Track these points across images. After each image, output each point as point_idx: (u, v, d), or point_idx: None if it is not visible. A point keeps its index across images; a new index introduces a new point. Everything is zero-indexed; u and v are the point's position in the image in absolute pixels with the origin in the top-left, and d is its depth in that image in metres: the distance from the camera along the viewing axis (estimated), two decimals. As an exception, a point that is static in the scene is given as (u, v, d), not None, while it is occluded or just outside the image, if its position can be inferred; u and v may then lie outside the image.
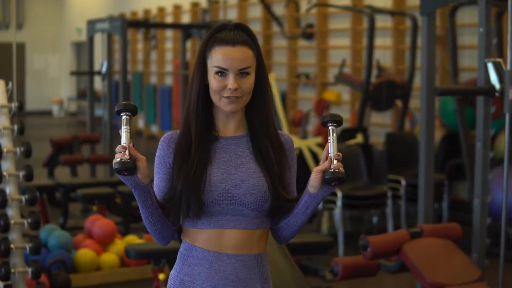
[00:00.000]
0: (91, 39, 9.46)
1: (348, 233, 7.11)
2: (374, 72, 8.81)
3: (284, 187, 2.32)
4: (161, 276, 4.84)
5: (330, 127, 2.22)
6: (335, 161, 2.19)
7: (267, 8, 11.28)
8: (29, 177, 4.58)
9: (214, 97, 2.27)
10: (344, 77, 9.04)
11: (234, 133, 2.34)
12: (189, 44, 12.79)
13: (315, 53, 11.26)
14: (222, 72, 2.24)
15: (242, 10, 13.19)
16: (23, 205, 4.59)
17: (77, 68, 21.12)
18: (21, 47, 21.18)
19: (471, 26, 8.32)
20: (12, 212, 4.50)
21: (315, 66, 11.26)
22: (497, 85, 4.53)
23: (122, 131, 2.14)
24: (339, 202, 6.74)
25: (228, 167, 2.29)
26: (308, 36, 11.45)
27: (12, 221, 4.47)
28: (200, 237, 2.29)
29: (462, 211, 7.68)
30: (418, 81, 8.05)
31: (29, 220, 4.51)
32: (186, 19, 15.19)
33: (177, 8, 15.51)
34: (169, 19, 15.89)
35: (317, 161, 7.33)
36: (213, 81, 2.25)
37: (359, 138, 8.05)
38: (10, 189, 4.52)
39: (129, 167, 2.13)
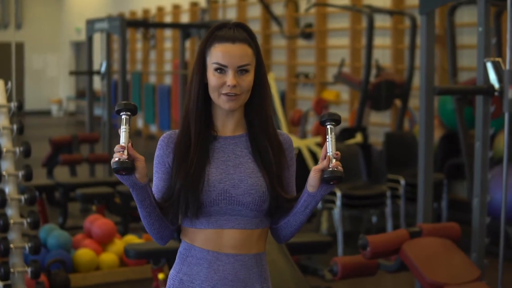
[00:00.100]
0: (90, 39, 9.45)
1: (347, 233, 7.11)
2: (373, 71, 8.81)
3: (283, 186, 2.32)
4: (161, 276, 4.84)
5: (328, 126, 2.22)
6: (334, 160, 2.18)
7: (266, 7, 11.28)
8: (28, 176, 4.58)
9: (213, 95, 2.27)
10: (343, 77, 9.04)
11: (233, 133, 2.34)
12: (188, 43, 12.79)
13: (314, 53, 11.26)
14: (221, 69, 2.25)
15: (241, 10, 13.19)
16: (23, 204, 4.59)
17: (76, 68, 21.11)
18: (20, 47, 21.18)
19: (470, 26, 8.32)
20: (11, 212, 4.50)
21: (314, 65, 11.26)
22: (496, 85, 4.53)
23: (121, 130, 2.14)
24: (338, 202, 6.74)
25: (227, 167, 2.29)
26: (307, 35, 11.45)
27: (11, 221, 4.47)
28: (199, 237, 2.29)
29: (461, 210, 7.69)
30: (417, 81, 8.05)
31: (28, 219, 4.51)
32: (185, 18, 15.19)
33: (176, 8, 15.51)
34: (168, 19, 15.88)
35: (316, 161, 7.33)
36: (212, 78, 2.25)
37: (358, 138, 8.05)
38: (9, 189, 4.52)
39: (127, 167, 2.12)
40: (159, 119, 15.72)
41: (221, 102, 2.26)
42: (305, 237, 5.17)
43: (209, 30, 2.30)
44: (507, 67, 4.51)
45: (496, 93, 4.55)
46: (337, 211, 6.78)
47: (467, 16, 8.46)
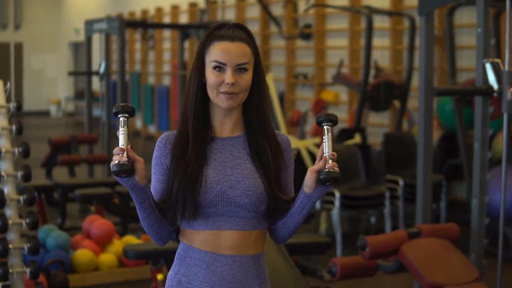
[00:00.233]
0: (89, 39, 9.45)
1: (346, 234, 7.11)
2: (372, 72, 8.81)
3: (281, 187, 2.32)
4: (160, 277, 4.84)
5: (325, 127, 2.21)
6: (330, 161, 2.18)
7: (265, 8, 11.29)
8: (27, 177, 4.58)
9: (212, 93, 2.27)
10: (342, 78, 9.04)
11: (230, 134, 2.34)
12: (187, 44, 12.78)
13: (313, 53, 11.26)
14: (220, 67, 2.25)
15: (240, 10, 13.19)
16: (21, 205, 4.59)
17: (74, 68, 21.11)
18: (19, 47, 21.16)
19: (469, 27, 8.32)
20: (10, 212, 4.50)
21: (313, 66, 11.27)
22: (495, 86, 4.53)
23: (120, 132, 2.14)
24: (337, 203, 6.74)
25: (224, 168, 2.29)
26: (306, 36, 11.46)
27: (10, 221, 4.47)
28: (197, 238, 2.29)
29: (460, 211, 7.69)
30: (416, 82, 8.06)
31: (27, 220, 4.51)
32: (184, 19, 15.19)
33: (175, 8, 15.51)
34: (167, 19, 15.89)
35: (315, 162, 7.33)
36: (211, 76, 2.26)
37: (357, 139, 8.06)
38: (8, 189, 4.52)
39: (127, 169, 2.13)
40: (157, 120, 15.72)
41: (219, 100, 2.26)
42: (303, 237, 5.17)
43: (208, 30, 2.31)
44: (506, 68, 4.52)
45: (495, 94, 4.55)
46: (335, 211, 6.78)
47: (466, 17, 8.47)
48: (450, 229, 4.62)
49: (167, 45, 16.06)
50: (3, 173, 4.52)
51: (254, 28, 12.40)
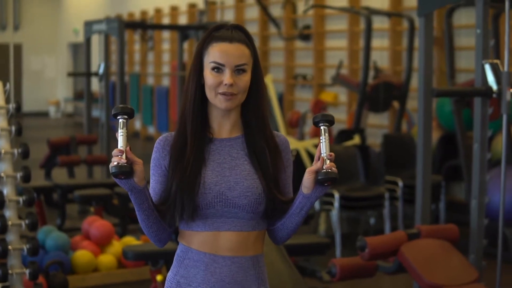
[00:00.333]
0: (88, 40, 9.45)
1: (345, 234, 7.11)
2: (371, 73, 8.82)
3: (279, 188, 2.32)
4: (159, 277, 4.84)
5: (322, 127, 2.22)
6: (328, 161, 2.18)
7: (264, 9, 11.28)
8: (26, 178, 4.58)
9: (210, 94, 2.27)
10: (341, 78, 9.05)
11: (229, 135, 2.34)
12: (186, 45, 12.79)
13: (312, 54, 11.27)
14: (218, 68, 2.25)
15: (239, 11, 13.20)
16: (21, 206, 4.59)
17: (73, 69, 21.11)
18: (18, 48, 21.15)
19: (468, 28, 8.33)
20: (9, 213, 4.50)
21: (312, 67, 11.27)
22: (494, 87, 4.53)
23: (119, 134, 2.15)
24: (336, 203, 6.75)
25: (223, 169, 2.29)
26: (305, 37, 11.46)
27: (9, 222, 4.46)
28: (196, 240, 2.29)
29: (459, 212, 7.69)
30: (415, 82, 8.06)
31: (26, 221, 4.51)
32: (183, 20, 15.19)
33: (174, 9, 15.51)
34: (166, 20, 15.89)
35: (314, 162, 7.32)
36: (209, 77, 2.26)
37: (356, 140, 8.06)
38: (7, 190, 4.52)
39: (126, 171, 2.13)
40: (157, 121, 15.72)
41: (217, 101, 2.26)
42: (303, 238, 5.17)
43: (207, 31, 2.31)
44: (505, 69, 4.52)
45: (494, 95, 4.55)
46: (335, 212, 6.78)
47: (465, 18, 8.47)
48: (449, 230, 4.62)
49: (166, 46, 16.06)
50: (2, 174, 4.52)
51: (253, 29, 12.40)
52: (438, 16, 8.56)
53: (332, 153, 2.19)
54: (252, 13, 12.96)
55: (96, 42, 9.58)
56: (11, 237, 4.48)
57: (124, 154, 2.13)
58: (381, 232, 7.02)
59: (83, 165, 8.84)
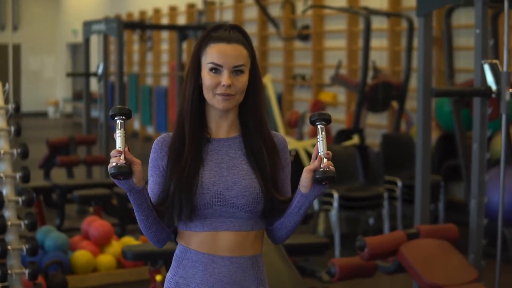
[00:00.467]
0: (87, 41, 9.45)
1: (344, 234, 7.11)
2: (370, 73, 8.82)
3: (277, 188, 2.32)
4: (158, 278, 4.84)
5: (318, 126, 2.21)
6: (325, 160, 2.18)
7: (263, 9, 11.29)
8: (26, 178, 4.57)
9: (208, 95, 2.27)
10: (340, 79, 9.05)
11: (226, 135, 2.34)
12: (185, 45, 12.78)
13: (311, 55, 11.27)
14: (216, 69, 2.25)
15: (238, 12, 13.19)
16: (20, 206, 4.59)
17: (72, 70, 21.10)
18: (16, 48, 21.14)
19: (467, 28, 8.33)
20: (9, 214, 4.50)
21: (311, 67, 11.27)
22: (493, 87, 4.53)
23: (117, 135, 2.15)
24: (335, 203, 6.75)
25: (220, 169, 2.29)
26: (304, 37, 11.46)
27: (9, 223, 4.46)
28: (195, 240, 2.29)
29: (458, 212, 7.69)
30: (414, 82, 8.06)
31: (26, 221, 4.50)
32: (182, 20, 15.19)
33: (173, 10, 15.51)
34: (165, 21, 15.88)
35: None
36: (207, 78, 2.26)
37: (355, 140, 8.06)
38: (7, 191, 4.52)
39: (124, 172, 2.13)
40: (156, 121, 15.72)
41: (215, 102, 2.26)
42: (302, 238, 5.17)
43: (205, 32, 2.31)
44: (504, 69, 4.52)
45: (493, 95, 4.55)
46: (334, 212, 6.78)
47: (463, 18, 8.48)
48: (449, 229, 4.63)
49: (165, 46, 16.06)
50: (1, 174, 4.52)
51: (252, 29, 12.41)
52: (437, 16, 8.56)
53: (330, 152, 2.19)
54: (251, 13, 12.96)
55: (95, 42, 9.58)
56: (11, 237, 4.48)
57: (123, 154, 2.13)
58: (380, 232, 7.02)
59: (82, 166, 8.84)
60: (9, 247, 4.45)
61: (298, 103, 11.68)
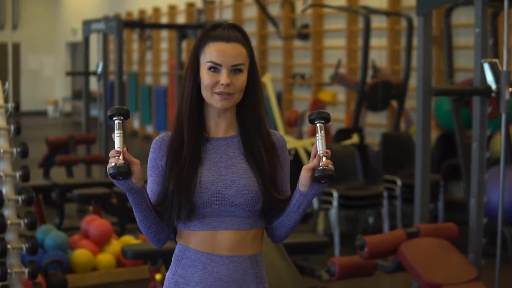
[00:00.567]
0: (86, 40, 9.45)
1: (344, 233, 7.11)
2: (370, 72, 8.82)
3: (276, 187, 2.32)
4: (158, 277, 4.84)
5: (317, 124, 2.21)
6: (324, 159, 2.18)
7: (263, 8, 11.28)
8: (25, 177, 4.57)
9: (206, 94, 2.27)
10: (340, 78, 9.05)
11: (225, 134, 2.33)
12: (184, 44, 12.78)
13: (311, 54, 11.27)
14: (215, 68, 2.25)
15: (238, 11, 13.19)
16: (20, 205, 4.58)
17: (72, 69, 21.10)
18: (16, 47, 21.14)
19: (467, 27, 8.33)
20: (8, 213, 4.50)
21: (311, 66, 11.27)
22: (493, 86, 4.53)
23: (115, 135, 2.15)
24: (335, 202, 6.75)
25: (219, 168, 2.29)
26: (303, 36, 11.46)
27: (8, 222, 4.46)
28: (194, 239, 2.29)
29: (457, 211, 7.70)
30: (413, 82, 8.06)
31: (25, 220, 4.50)
32: (181, 19, 15.19)
33: (172, 9, 15.50)
34: (164, 20, 15.88)
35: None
36: (206, 77, 2.25)
37: (355, 139, 8.06)
38: (6, 190, 4.52)
39: (123, 172, 2.13)
40: (155, 120, 15.72)
41: (213, 101, 2.26)
42: (301, 237, 5.18)
43: (203, 30, 2.31)
44: (504, 68, 4.53)
45: (493, 94, 4.55)
46: (333, 211, 6.78)
47: (463, 17, 8.47)
48: (448, 229, 4.63)
49: (164, 45, 16.05)
50: (1, 173, 4.51)
51: (252, 28, 12.40)
52: (436, 15, 8.56)
53: (328, 150, 2.19)
54: (251, 12, 12.96)
55: (95, 41, 9.58)
56: (10, 236, 4.48)
57: (121, 155, 2.13)
58: (379, 231, 7.03)
59: (82, 164, 8.84)
60: (8, 246, 4.44)
61: (298, 102, 11.68)
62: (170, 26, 13.09)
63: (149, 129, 16.41)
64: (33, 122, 18.80)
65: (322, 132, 2.19)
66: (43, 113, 21.71)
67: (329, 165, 2.17)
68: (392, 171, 7.53)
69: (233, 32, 2.28)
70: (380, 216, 7.30)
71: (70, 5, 21.66)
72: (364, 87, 8.24)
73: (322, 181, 2.20)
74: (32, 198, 4.58)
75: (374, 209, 7.33)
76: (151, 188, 2.31)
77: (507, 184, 6.11)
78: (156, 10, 16.11)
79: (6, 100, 4.65)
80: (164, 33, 15.82)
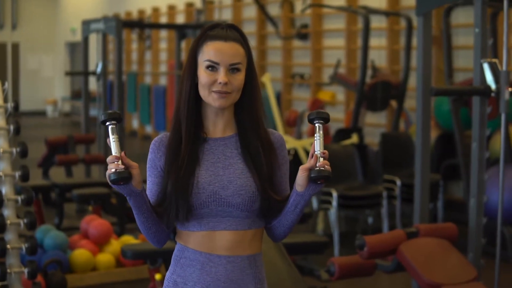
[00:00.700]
0: (86, 39, 9.45)
1: (343, 233, 7.12)
2: (369, 72, 8.82)
3: (274, 187, 2.31)
4: (158, 276, 4.84)
5: (316, 124, 2.21)
6: (321, 159, 2.18)
7: (262, 8, 11.28)
8: (25, 177, 4.57)
9: (204, 92, 2.27)
10: (339, 78, 9.05)
11: (222, 134, 2.33)
12: (183, 44, 12.78)
13: (310, 54, 11.27)
14: (213, 66, 2.25)
15: (237, 11, 13.19)
16: (19, 205, 4.58)
17: (71, 68, 21.09)
18: (15, 47, 21.14)
19: (466, 27, 8.33)
20: (8, 213, 4.50)
21: (310, 66, 11.27)
22: (493, 86, 4.54)
23: (111, 140, 2.16)
24: (334, 202, 6.75)
25: (216, 168, 2.29)
26: (303, 36, 11.46)
27: (8, 222, 4.46)
28: (192, 239, 2.29)
29: (457, 211, 7.70)
30: (412, 82, 8.07)
31: (25, 220, 4.50)
32: (180, 19, 15.19)
33: (172, 9, 15.50)
34: (163, 20, 15.87)
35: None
36: (203, 76, 2.25)
37: (354, 139, 8.06)
38: (6, 190, 4.52)
39: (125, 177, 2.14)
40: (154, 120, 15.72)
41: (211, 99, 2.26)
42: (301, 237, 5.17)
43: (201, 30, 2.31)
44: (504, 68, 4.53)
45: (492, 94, 4.56)
46: (333, 211, 6.78)
47: (462, 17, 8.48)
48: (448, 228, 4.63)
49: (163, 45, 16.05)
50: (1, 173, 4.51)
51: (251, 28, 12.40)
52: (436, 15, 8.57)
53: (326, 151, 2.19)
54: (250, 12, 12.96)
55: (94, 41, 9.58)
56: (10, 236, 4.48)
57: (120, 160, 2.14)
58: (379, 231, 7.03)
59: (81, 164, 8.84)
60: (8, 246, 4.44)
61: (297, 102, 11.68)
62: (169, 26, 13.09)
63: (148, 129, 16.40)
64: (32, 122, 18.80)
65: (321, 132, 2.19)
66: (42, 113, 21.71)
67: (326, 166, 2.17)
68: (392, 171, 7.54)
69: (231, 31, 2.28)
70: (380, 216, 7.30)
71: (69, 5, 21.65)
72: (364, 87, 8.25)
73: (319, 182, 2.20)
74: (31, 198, 4.58)
75: (374, 209, 7.33)
76: (151, 189, 2.31)
77: (506, 184, 6.12)
78: (156, 10, 16.11)
79: (5, 100, 4.65)
80: (163, 33, 15.82)
